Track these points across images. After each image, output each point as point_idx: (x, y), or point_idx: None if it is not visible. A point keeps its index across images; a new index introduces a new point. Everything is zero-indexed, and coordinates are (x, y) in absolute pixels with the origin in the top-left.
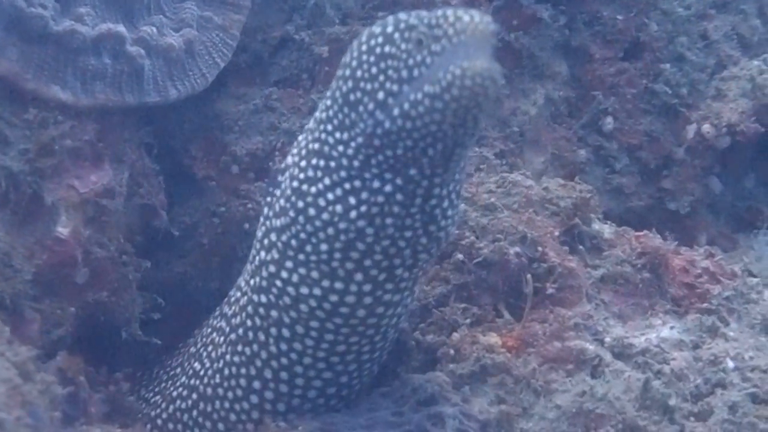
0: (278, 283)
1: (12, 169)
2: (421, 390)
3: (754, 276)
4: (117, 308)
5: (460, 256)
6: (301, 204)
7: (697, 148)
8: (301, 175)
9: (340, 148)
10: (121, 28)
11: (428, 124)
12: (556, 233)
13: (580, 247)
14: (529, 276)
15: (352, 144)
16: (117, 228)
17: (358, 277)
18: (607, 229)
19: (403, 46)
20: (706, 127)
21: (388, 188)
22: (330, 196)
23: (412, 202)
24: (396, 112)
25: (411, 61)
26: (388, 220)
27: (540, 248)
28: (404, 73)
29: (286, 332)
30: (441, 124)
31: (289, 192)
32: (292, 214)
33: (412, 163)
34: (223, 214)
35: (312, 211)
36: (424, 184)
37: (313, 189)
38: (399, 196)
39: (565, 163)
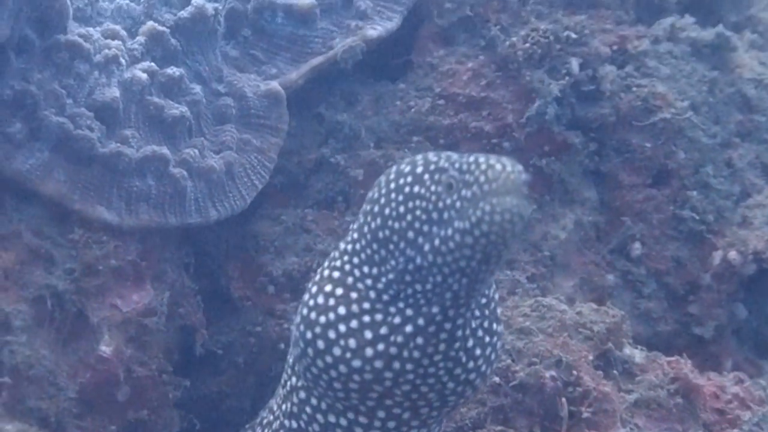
0: (308, 409)
1: (57, 288)
2: None
3: None
4: (156, 427)
5: (496, 379)
6: (309, 335)
7: (723, 274)
8: (311, 302)
9: (369, 281)
10: (165, 150)
11: (458, 259)
12: (590, 357)
13: (614, 371)
14: (564, 399)
15: (383, 279)
16: (157, 347)
17: (381, 414)
18: (638, 354)
19: (432, 188)
20: (733, 254)
21: (409, 328)
22: (342, 327)
23: (435, 348)
24: (427, 248)
25: (441, 204)
26: (408, 366)
27: (575, 372)
28: (434, 215)
29: None
30: (470, 259)
31: (298, 320)
32: (301, 344)
33: (435, 299)
34: (259, 333)
35: (320, 344)
36: (446, 326)
37: (323, 319)
38: (420, 340)
39: (594, 287)
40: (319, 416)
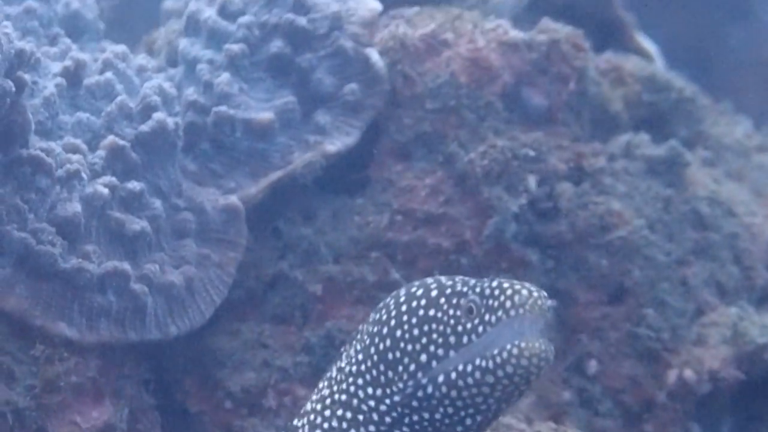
0: None
1: (18, 405)
2: None
3: None
4: None
5: None
6: None
7: (678, 392)
8: (325, 425)
9: (372, 402)
10: (126, 266)
11: (475, 395)
12: None
13: None
14: None
15: (387, 401)
16: None
17: None
18: None
19: (451, 312)
20: (688, 373)
21: None
22: None
23: None
24: (441, 378)
25: (460, 328)
26: None
27: None
28: (452, 339)
29: None
30: (488, 397)
31: None
32: None
33: (446, 430)
34: None
35: None
36: None
37: None
38: None
39: (550, 404)
40: None
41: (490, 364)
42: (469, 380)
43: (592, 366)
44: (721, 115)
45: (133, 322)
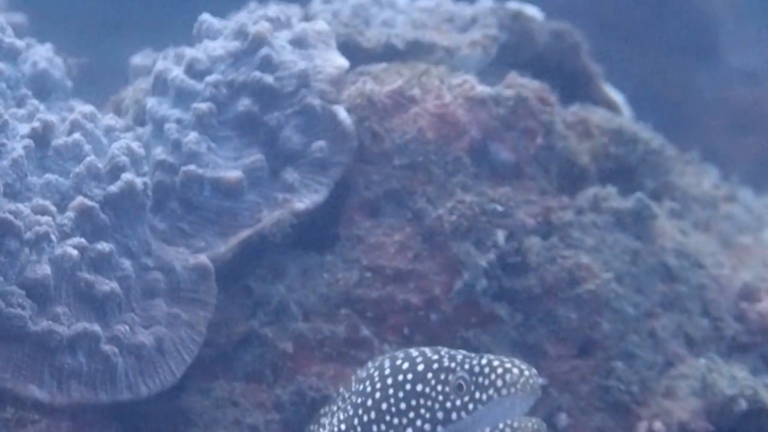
0: None
1: None
2: None
3: None
4: None
5: None
6: None
7: None
8: None
9: None
10: (96, 327)
11: None
12: None
13: None
14: None
15: None
16: None
17: None
18: None
19: (439, 388)
20: (657, 425)
21: None
22: None
23: None
24: None
25: (449, 405)
26: None
27: None
28: (440, 415)
29: None
30: None
31: None
32: None
33: None
34: None
35: None
36: None
37: None
38: None
39: None
40: None
41: None
42: None
43: (563, 419)
44: (688, 165)
45: (104, 383)
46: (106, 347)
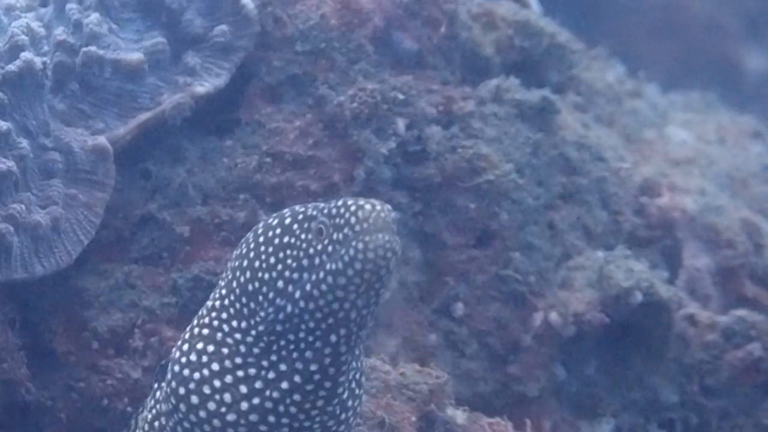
0: None
1: None
2: None
3: None
4: None
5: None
6: (182, 390)
7: (543, 335)
8: (183, 359)
9: (238, 336)
10: None
11: (331, 302)
12: (413, 418)
13: None
14: None
15: (252, 332)
16: None
17: None
18: (460, 415)
19: (303, 236)
20: (553, 316)
21: (285, 385)
22: (217, 383)
23: (313, 405)
24: (298, 294)
25: (311, 250)
26: (284, 420)
27: None
28: (305, 262)
29: None
30: (344, 302)
31: (169, 376)
32: (173, 401)
33: (311, 358)
34: (83, 389)
35: (194, 399)
36: (326, 385)
37: (197, 375)
38: (297, 396)
39: (416, 346)
40: None
41: (339, 264)
42: (323, 287)
43: (459, 308)
44: (594, 60)
45: None
46: (2, 226)
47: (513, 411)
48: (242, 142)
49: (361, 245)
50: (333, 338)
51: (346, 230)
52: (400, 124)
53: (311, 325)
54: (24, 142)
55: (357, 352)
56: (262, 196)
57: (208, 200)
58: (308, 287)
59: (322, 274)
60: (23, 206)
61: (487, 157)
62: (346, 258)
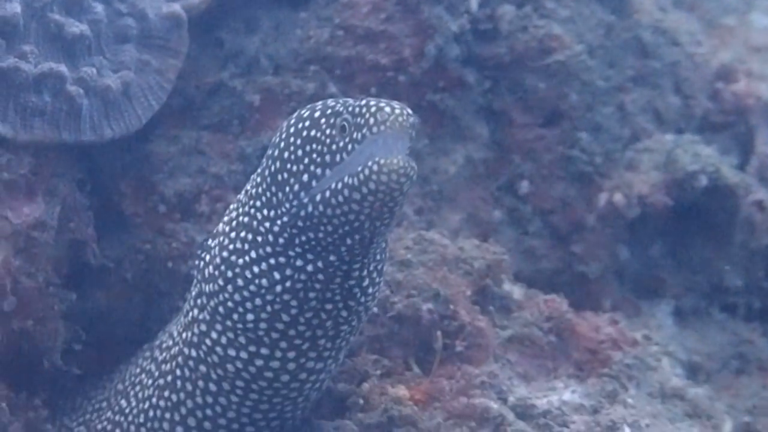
0: (208, 341)
1: None
2: None
3: (655, 344)
4: (41, 337)
5: (374, 309)
6: (230, 274)
7: (607, 216)
8: (231, 246)
9: (267, 224)
10: (62, 68)
11: (346, 213)
12: (468, 292)
13: (490, 307)
14: (439, 333)
15: (278, 222)
16: (46, 259)
17: (283, 345)
18: (517, 291)
19: (328, 132)
20: (618, 197)
21: (309, 268)
22: (256, 269)
23: (332, 282)
24: (318, 197)
25: (334, 147)
26: (311, 294)
27: (452, 306)
28: (328, 158)
29: (212, 387)
30: (358, 215)
31: (218, 261)
32: (221, 282)
33: (331, 250)
34: (148, 251)
35: (240, 282)
36: (343, 268)
37: (241, 261)
38: (320, 276)
39: (479, 222)
40: (218, 349)
41: (355, 181)
42: (340, 198)
43: (524, 186)
44: None
45: (68, 124)
46: (72, 88)
47: (573, 289)
48: (316, 14)
49: (376, 167)
50: (348, 241)
51: (364, 130)
52: (473, 1)
53: (329, 228)
54: (99, 7)
55: (377, 249)
56: (332, 68)
57: (279, 70)
58: (327, 194)
59: (339, 185)
60: (94, 70)
61: (559, 38)
62: (362, 176)
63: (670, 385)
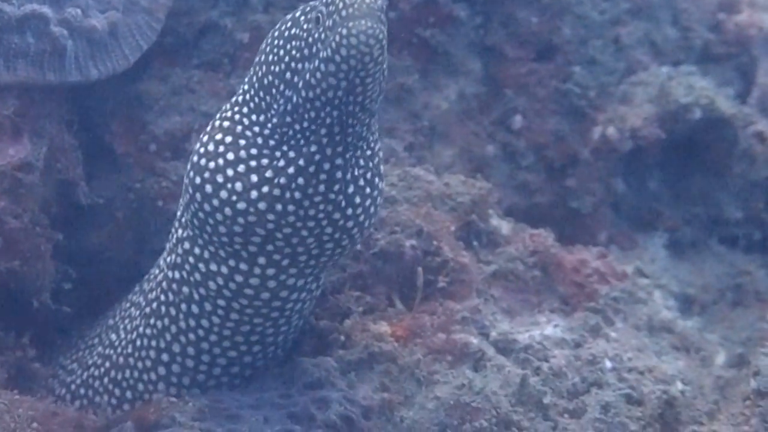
0: (191, 259)
1: None
2: (309, 374)
3: (646, 277)
4: (28, 277)
5: (357, 246)
6: (198, 180)
7: (601, 149)
8: (202, 150)
9: (256, 128)
10: (45, 9)
11: (326, 90)
12: (453, 228)
13: (475, 243)
14: (420, 269)
15: (269, 125)
16: (33, 200)
17: (261, 260)
18: (505, 226)
19: (305, 27)
20: (610, 131)
21: (291, 170)
22: (230, 172)
23: (315, 189)
24: (300, 84)
25: (310, 39)
26: (290, 207)
27: (435, 242)
28: (305, 51)
29: (195, 309)
30: (336, 89)
31: (188, 167)
32: (190, 190)
33: (312, 140)
34: (139, 190)
35: (209, 188)
36: (325, 167)
37: (212, 164)
38: (300, 180)
39: (472, 157)
40: (201, 265)
41: (329, 52)
42: (318, 75)
43: (518, 121)
44: None
45: (52, 65)
46: (56, 29)
47: (568, 223)
48: None
49: (344, 31)
50: (328, 120)
51: (335, 17)
52: None
53: (312, 114)
54: None
55: (367, 152)
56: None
57: (269, 8)
58: (307, 76)
59: (316, 62)
60: (79, 10)
61: None
62: (333, 45)
63: (659, 318)
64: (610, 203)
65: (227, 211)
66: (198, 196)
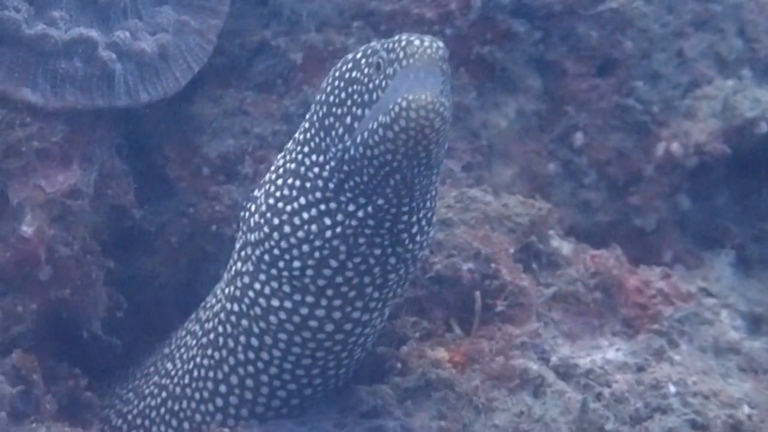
0: (251, 293)
1: None
2: (365, 402)
3: (713, 296)
4: (79, 306)
5: (426, 253)
6: (276, 221)
7: (665, 166)
8: (278, 193)
9: (316, 170)
10: (93, 33)
11: (384, 153)
12: (511, 250)
13: (534, 264)
14: (478, 293)
15: (327, 167)
16: (83, 227)
17: (329, 292)
18: (566, 246)
19: (366, 71)
20: (675, 146)
21: (360, 213)
22: (305, 215)
23: (382, 226)
24: (358, 139)
25: (371, 85)
26: (361, 240)
27: (493, 265)
28: (366, 97)
29: (254, 341)
30: (394, 154)
31: (264, 208)
32: (266, 230)
33: (379, 192)
34: (192, 214)
35: (287, 229)
36: (392, 211)
37: (289, 208)
38: (370, 221)
39: (533, 176)
40: (261, 300)
41: (387, 119)
42: (376, 138)
43: (579, 138)
44: None
45: (101, 88)
46: (104, 53)
47: (632, 242)
48: None
49: (404, 103)
50: (391, 182)
51: (395, 65)
52: None
53: (371, 170)
54: None
55: (425, 194)
56: (376, 23)
57: (322, 27)
58: (366, 134)
59: (375, 125)
60: (127, 33)
61: None
62: (392, 114)
63: (725, 339)
64: (675, 221)
65: (304, 248)
66: (276, 235)
